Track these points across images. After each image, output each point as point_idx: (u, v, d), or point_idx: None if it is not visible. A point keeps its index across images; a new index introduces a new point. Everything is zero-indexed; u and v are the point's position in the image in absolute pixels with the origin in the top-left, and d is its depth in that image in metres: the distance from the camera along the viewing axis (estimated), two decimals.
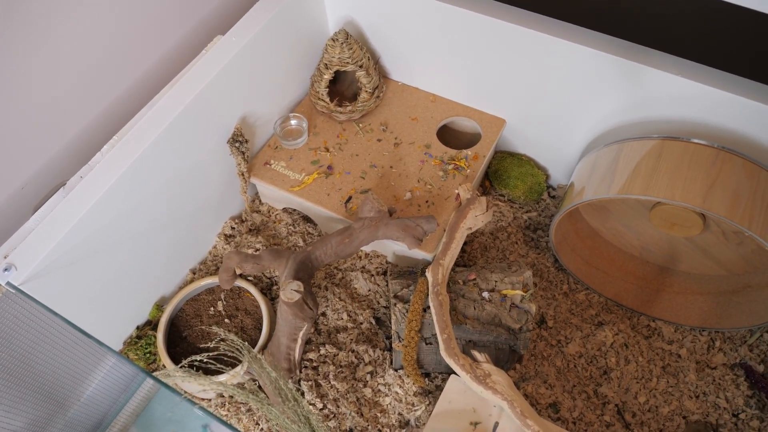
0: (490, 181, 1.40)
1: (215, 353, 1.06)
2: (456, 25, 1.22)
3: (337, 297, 1.25)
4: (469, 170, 1.28)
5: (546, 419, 1.07)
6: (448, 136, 1.41)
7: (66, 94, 1.05)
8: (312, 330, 1.22)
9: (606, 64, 1.11)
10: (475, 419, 1.02)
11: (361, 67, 1.30)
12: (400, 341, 1.12)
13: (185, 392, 1.19)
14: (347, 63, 1.28)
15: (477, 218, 1.17)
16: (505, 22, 1.15)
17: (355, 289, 1.28)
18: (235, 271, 1.19)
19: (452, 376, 1.06)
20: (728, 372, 1.19)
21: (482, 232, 1.34)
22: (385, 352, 1.20)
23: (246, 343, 0.90)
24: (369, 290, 1.27)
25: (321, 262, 1.17)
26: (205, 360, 1.07)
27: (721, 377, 1.18)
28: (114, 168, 1.01)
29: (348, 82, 1.41)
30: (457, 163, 1.28)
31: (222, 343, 1.00)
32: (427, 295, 1.12)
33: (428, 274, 1.11)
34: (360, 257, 1.32)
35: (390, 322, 1.18)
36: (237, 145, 1.21)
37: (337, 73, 1.37)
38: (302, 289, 1.09)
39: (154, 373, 1.00)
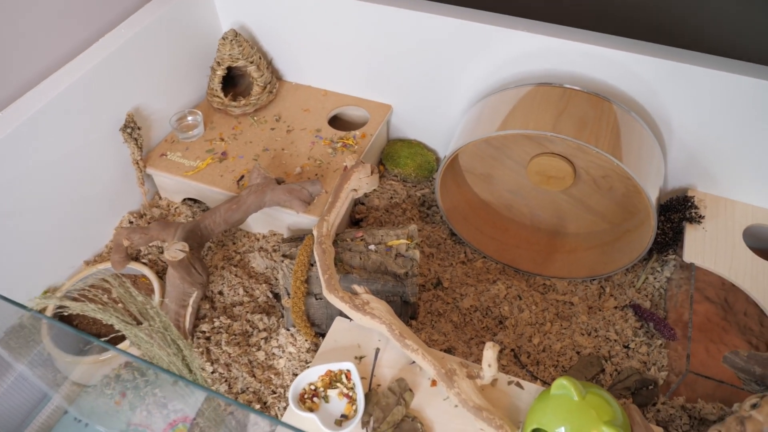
0: (384, 165, 1.47)
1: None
2: (340, 18, 1.34)
3: (233, 275, 1.26)
4: (357, 146, 1.35)
5: None
6: (341, 127, 1.49)
7: None
8: (202, 299, 1.21)
9: (466, 32, 1.23)
10: (359, 354, 1.01)
11: (252, 62, 1.39)
12: (288, 297, 1.12)
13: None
14: (238, 59, 1.37)
15: (362, 180, 1.22)
16: (375, 4, 1.27)
17: (253, 267, 1.29)
18: (126, 251, 1.20)
19: (337, 317, 1.07)
20: (618, 312, 1.22)
21: (377, 208, 1.39)
22: (281, 320, 1.19)
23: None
24: (266, 267, 1.28)
25: (211, 230, 1.19)
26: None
27: (611, 316, 1.21)
28: None
29: (245, 84, 1.49)
30: (346, 141, 1.35)
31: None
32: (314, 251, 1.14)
33: (314, 230, 1.14)
34: (258, 239, 1.34)
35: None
36: (129, 131, 1.26)
37: (234, 76, 1.46)
38: (187, 249, 1.10)
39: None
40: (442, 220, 1.41)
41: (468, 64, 1.28)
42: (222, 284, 1.25)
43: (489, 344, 0.90)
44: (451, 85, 1.34)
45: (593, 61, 1.16)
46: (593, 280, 1.29)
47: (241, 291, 1.23)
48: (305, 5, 1.35)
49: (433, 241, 1.37)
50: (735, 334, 1.16)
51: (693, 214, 1.20)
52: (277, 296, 1.25)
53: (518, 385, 0.96)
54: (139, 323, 0.87)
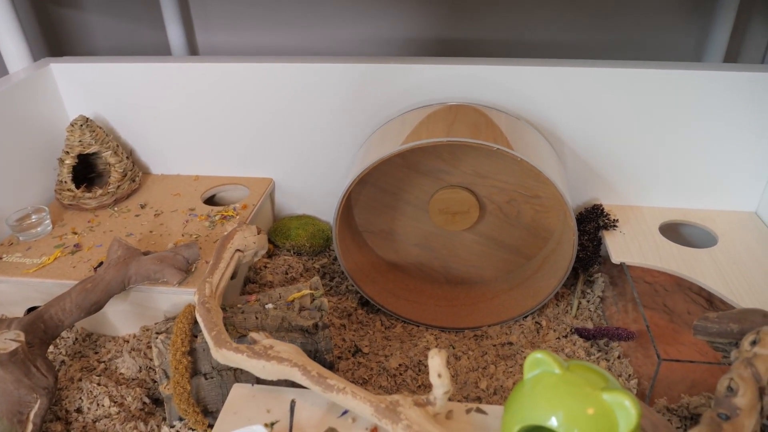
0: (273, 243, 1.30)
1: None
2: (192, 92, 1.25)
3: (96, 384, 0.97)
4: (238, 216, 1.19)
5: None
6: None
7: None
8: (53, 420, 0.90)
9: (334, 75, 1.19)
10: (271, 420, 0.76)
11: (107, 148, 1.23)
12: (168, 380, 0.86)
13: None
14: (90, 144, 1.21)
15: (247, 239, 1.05)
16: (222, 63, 1.21)
17: (122, 373, 1.01)
18: None
19: (234, 385, 0.82)
20: (563, 339, 1.07)
21: (271, 284, 1.19)
22: (163, 422, 0.91)
23: None
24: (140, 369, 1.01)
25: (60, 321, 0.93)
26: None
27: (556, 343, 1.06)
28: None
29: (103, 182, 1.31)
30: (225, 213, 1.19)
31: None
32: (196, 321, 0.91)
33: (194, 294, 0.93)
34: (127, 340, 1.07)
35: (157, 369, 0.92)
36: None
37: (93, 177, 1.29)
38: (22, 338, 0.83)
39: None
40: (348, 289, 1.24)
41: (343, 113, 1.22)
42: (80, 399, 0.95)
43: (433, 351, 0.71)
44: (331, 141, 1.26)
45: (469, 82, 1.15)
46: (525, 317, 1.15)
47: (106, 402, 0.94)
48: (153, 89, 1.25)
49: (343, 312, 1.18)
50: (687, 335, 1.05)
51: (607, 220, 1.14)
52: (157, 401, 0.97)
53: (479, 410, 0.76)
54: None
